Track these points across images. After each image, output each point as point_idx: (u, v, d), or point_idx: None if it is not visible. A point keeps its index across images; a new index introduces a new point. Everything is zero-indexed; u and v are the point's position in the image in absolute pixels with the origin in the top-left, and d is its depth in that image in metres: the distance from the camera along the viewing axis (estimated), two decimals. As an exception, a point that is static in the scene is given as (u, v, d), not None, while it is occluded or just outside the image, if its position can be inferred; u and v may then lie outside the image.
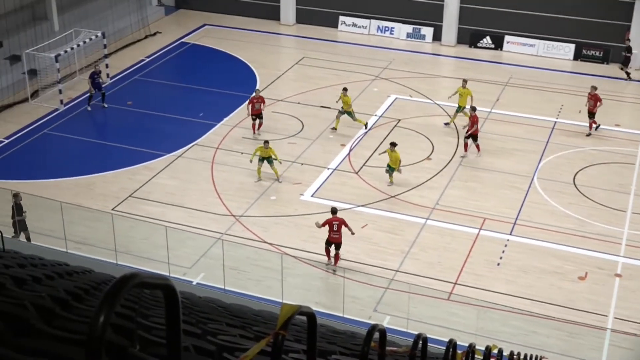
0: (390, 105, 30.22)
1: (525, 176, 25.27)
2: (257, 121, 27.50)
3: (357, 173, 25.45)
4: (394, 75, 32.97)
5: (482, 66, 34.26)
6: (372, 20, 37.66)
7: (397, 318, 18.78)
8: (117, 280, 2.83)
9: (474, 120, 25.95)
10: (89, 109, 29.69)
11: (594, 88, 27.64)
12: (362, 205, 23.58)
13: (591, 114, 27.59)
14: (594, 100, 27.38)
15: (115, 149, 26.98)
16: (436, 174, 25.37)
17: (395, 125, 28.49)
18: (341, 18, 38.23)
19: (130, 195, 24.05)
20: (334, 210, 20.74)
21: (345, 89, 27.67)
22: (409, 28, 37.14)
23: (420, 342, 6.58)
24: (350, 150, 26.84)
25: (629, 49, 32.34)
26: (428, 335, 7.58)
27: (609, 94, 30.70)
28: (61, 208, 21.22)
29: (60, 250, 20.62)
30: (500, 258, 21.21)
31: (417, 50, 36.02)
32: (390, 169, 24.43)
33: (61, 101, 29.92)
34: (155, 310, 8.05)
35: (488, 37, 35.92)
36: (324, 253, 20.67)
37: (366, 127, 27.89)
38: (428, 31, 36.82)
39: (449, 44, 36.42)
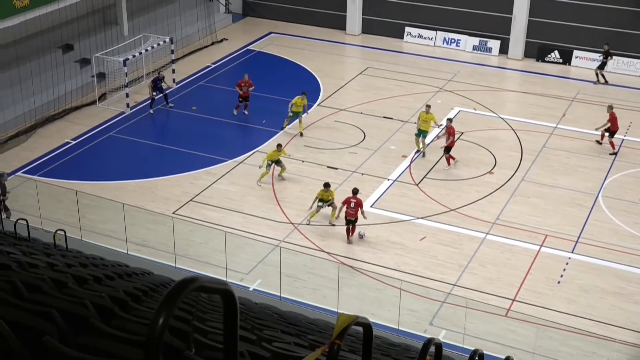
0: (453, 117, 29.97)
1: (590, 194, 24.80)
2: (244, 103, 29.67)
3: (417, 185, 25.31)
4: (459, 87, 32.72)
5: (549, 81, 33.76)
6: (438, 32, 37.47)
7: (453, 333, 18.59)
8: (178, 283, 2.88)
9: (450, 132, 25.66)
10: (152, 112, 30.22)
11: None
12: (422, 218, 23.43)
13: None
14: None
15: (178, 153, 27.36)
16: (498, 189, 25.07)
17: (458, 138, 28.24)
18: (407, 29, 38.13)
19: (191, 200, 24.34)
20: (355, 191, 22.37)
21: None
22: (475, 40, 36.84)
23: (477, 358, 6.51)
24: (411, 162, 26.72)
25: (607, 54, 32.93)
26: (484, 352, 7.49)
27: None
28: (123, 210, 21.61)
29: (121, 252, 21.01)
30: (561, 276, 20.84)
31: (482, 63, 35.70)
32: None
33: (127, 104, 30.50)
34: (211, 314, 8.13)
35: (556, 52, 35.39)
36: (346, 234, 22.34)
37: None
38: (495, 44, 36.48)
39: (515, 57, 36.00)
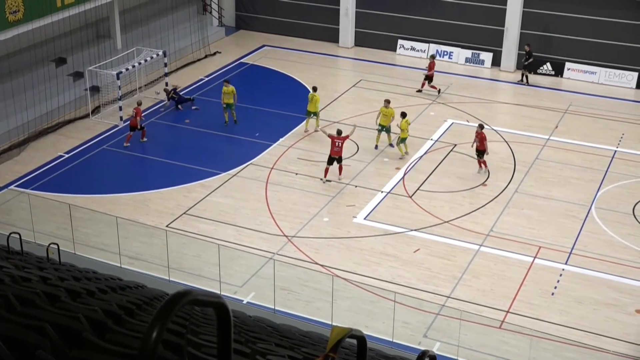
0: (446, 129, 30.07)
1: (583, 205, 24.86)
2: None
3: (411, 197, 25.34)
4: (451, 99, 32.83)
5: (542, 93, 33.88)
6: (431, 44, 37.60)
7: (447, 345, 18.58)
8: (171, 296, 2.88)
9: (481, 137, 26.32)
10: (195, 107, 31.78)
11: None
12: (415, 230, 23.45)
13: None
14: None
15: (172, 166, 27.35)
16: (491, 200, 25.11)
17: (451, 150, 28.32)
18: (400, 42, 38.25)
19: (184, 213, 24.32)
20: (339, 132, 25.60)
21: (387, 101, 28.59)
22: (467, 53, 36.98)
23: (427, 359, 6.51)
24: (404, 174, 26.76)
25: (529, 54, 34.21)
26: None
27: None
28: (117, 223, 21.57)
29: (114, 265, 20.97)
30: (555, 288, 20.86)
31: (475, 75, 35.82)
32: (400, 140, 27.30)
33: (121, 118, 30.49)
34: (205, 327, 8.12)
35: (548, 64, 35.54)
36: (324, 172, 25.28)
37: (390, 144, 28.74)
38: (487, 56, 36.61)
39: (508, 69, 36.14)
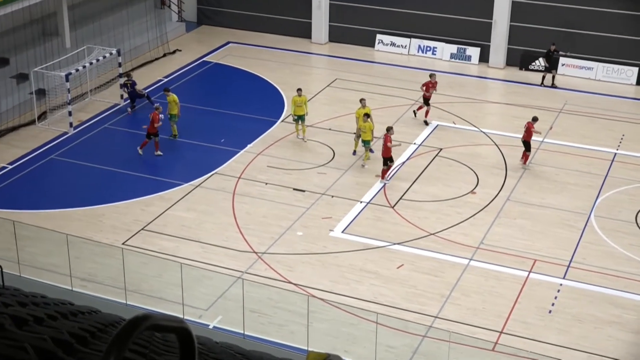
0: (431, 132, 30.25)
1: (581, 213, 25.09)
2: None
3: (393, 207, 25.44)
4: (436, 99, 32.99)
5: (535, 91, 34.19)
6: (413, 40, 37.83)
7: (435, 370, 18.65)
8: (128, 322, 2.87)
9: (529, 128, 27.17)
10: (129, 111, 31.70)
11: None
12: (399, 243, 23.54)
13: None
14: None
15: (128, 177, 27.24)
16: (481, 210, 25.28)
17: (437, 155, 28.48)
18: (378, 36, 38.45)
19: (142, 229, 24.23)
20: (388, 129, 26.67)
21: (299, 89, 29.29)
22: (453, 48, 37.24)
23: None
24: (386, 182, 26.86)
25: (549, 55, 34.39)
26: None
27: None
28: (67, 241, 21.43)
29: (65, 288, 20.82)
30: (552, 305, 21.03)
31: (461, 73, 36.09)
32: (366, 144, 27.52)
33: (71, 124, 30.34)
34: (166, 356, 8.08)
35: (541, 59, 35.89)
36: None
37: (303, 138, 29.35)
38: (474, 52, 36.90)
39: (497, 65, 36.44)
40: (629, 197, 26.11)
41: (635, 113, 32.10)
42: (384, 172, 26.57)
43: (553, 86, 34.47)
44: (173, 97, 29.45)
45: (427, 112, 30.90)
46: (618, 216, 24.99)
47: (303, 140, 29.30)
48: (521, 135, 27.74)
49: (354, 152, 28.52)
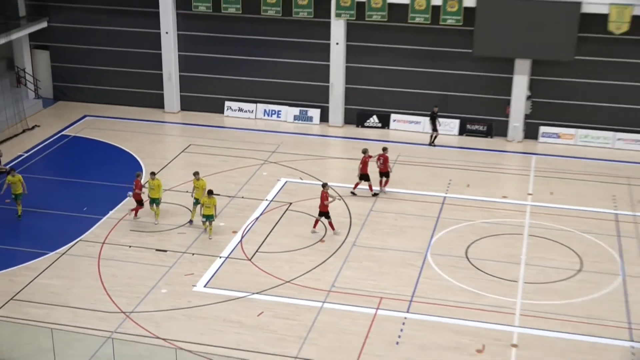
0: (280, 188, 30.87)
1: (419, 253, 26.18)
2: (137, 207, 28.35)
3: (250, 260, 25.77)
4: (283, 158, 33.77)
5: (371, 146, 35.41)
6: (259, 104, 38.62)
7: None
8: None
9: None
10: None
11: (384, 149, 30.50)
12: (257, 293, 23.85)
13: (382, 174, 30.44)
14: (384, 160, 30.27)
15: (-7, 250, 26.44)
16: (331, 256, 25.96)
17: (287, 209, 29.09)
18: (227, 103, 39.03)
19: (11, 298, 23.56)
20: (324, 185, 27.33)
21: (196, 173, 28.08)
22: (295, 110, 38.24)
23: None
24: (242, 237, 27.20)
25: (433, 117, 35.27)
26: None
27: (493, 166, 32.65)
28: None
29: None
30: (399, 337, 21.78)
31: (305, 133, 37.05)
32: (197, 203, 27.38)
33: None
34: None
35: (375, 117, 37.36)
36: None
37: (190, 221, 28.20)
38: (315, 113, 38.00)
39: (336, 124, 37.67)
40: (459, 235, 27.44)
41: (459, 159, 33.84)
42: (316, 222, 27.50)
43: (432, 144, 35.34)
44: (18, 177, 28.41)
45: (381, 183, 30.52)
46: (451, 252, 26.22)
47: (154, 224, 28.03)
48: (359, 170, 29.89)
49: (191, 222, 27.99)
